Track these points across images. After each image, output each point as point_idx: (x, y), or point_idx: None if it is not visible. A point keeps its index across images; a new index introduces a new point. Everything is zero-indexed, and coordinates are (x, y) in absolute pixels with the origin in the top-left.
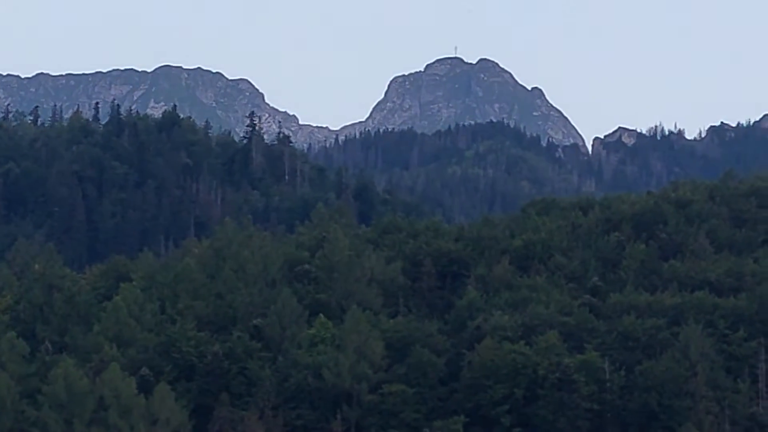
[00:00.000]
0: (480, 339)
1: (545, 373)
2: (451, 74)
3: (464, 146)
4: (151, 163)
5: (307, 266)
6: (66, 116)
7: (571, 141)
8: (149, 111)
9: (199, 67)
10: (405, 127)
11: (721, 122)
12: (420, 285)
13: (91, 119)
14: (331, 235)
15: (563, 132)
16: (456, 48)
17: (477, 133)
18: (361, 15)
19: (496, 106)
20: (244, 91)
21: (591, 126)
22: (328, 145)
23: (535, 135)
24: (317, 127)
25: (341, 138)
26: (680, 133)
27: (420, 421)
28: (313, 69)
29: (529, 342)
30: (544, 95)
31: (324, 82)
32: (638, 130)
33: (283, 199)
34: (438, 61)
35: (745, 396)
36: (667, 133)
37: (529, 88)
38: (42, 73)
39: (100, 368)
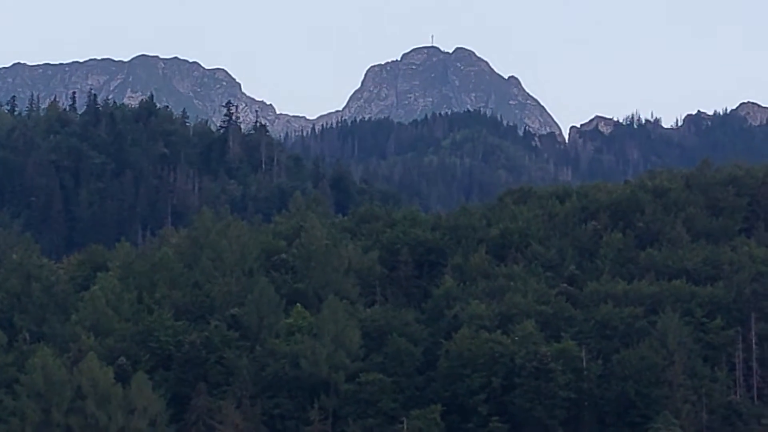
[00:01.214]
0: (457, 328)
1: (522, 362)
2: (427, 63)
3: (441, 135)
4: (128, 153)
5: (284, 255)
6: (43, 106)
7: (548, 130)
8: (126, 100)
9: (175, 57)
10: (382, 116)
11: (698, 111)
12: (397, 274)
13: (68, 109)
14: (308, 224)
15: (540, 121)
16: (432, 37)
17: (454, 122)
18: (338, 4)
19: (473, 95)
20: (221, 80)
21: (568, 115)
22: (304, 134)
23: (511, 124)
24: (294, 116)
25: (318, 127)
26: (657, 121)
27: (397, 410)
28: (289, 58)
29: (506, 331)
30: (520, 84)
31: (300, 71)
32: (615, 119)
33: (260, 188)
34: (414, 50)
35: (723, 384)
36: (643, 121)
37: (506, 77)
38: (19, 63)
39: (77, 358)
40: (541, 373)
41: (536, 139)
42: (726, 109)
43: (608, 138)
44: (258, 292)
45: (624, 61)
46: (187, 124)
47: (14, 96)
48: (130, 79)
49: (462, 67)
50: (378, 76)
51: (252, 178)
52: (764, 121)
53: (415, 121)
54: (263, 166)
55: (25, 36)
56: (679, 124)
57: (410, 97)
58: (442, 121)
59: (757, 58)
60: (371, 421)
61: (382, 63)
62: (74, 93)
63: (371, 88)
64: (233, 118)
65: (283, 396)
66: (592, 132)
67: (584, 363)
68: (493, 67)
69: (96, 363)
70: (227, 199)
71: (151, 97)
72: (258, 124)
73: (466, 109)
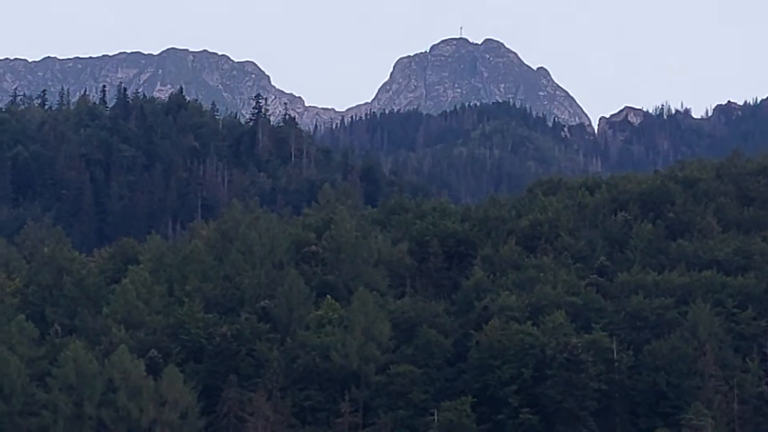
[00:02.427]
0: (487, 319)
1: (553, 354)
2: (456, 55)
3: (470, 127)
4: (158, 146)
5: (314, 248)
6: (73, 100)
7: (577, 120)
8: (156, 94)
9: (205, 50)
10: (411, 108)
11: (728, 101)
12: (427, 266)
13: (98, 102)
14: (337, 216)
15: (569, 112)
16: (461, 28)
17: (483, 113)
18: None
19: (502, 86)
20: (250, 73)
21: (597, 105)
22: (334, 126)
23: (541, 115)
24: (323, 108)
25: (347, 119)
26: (687, 112)
27: (428, 401)
28: (318, 50)
29: (536, 322)
30: (549, 75)
31: (329, 63)
32: (644, 109)
33: (290, 180)
34: (443, 41)
35: (754, 375)
36: (673, 112)
37: (535, 68)
38: (49, 57)
39: (109, 350)
40: (571, 364)
41: (565, 130)
42: (756, 99)
43: (638, 128)
44: (288, 285)
45: (653, 52)
46: (217, 116)
47: (44, 90)
48: (160, 72)
49: (491, 59)
50: (407, 67)
51: (281, 171)
52: None
53: (444, 112)
54: (292, 158)
55: (55, 29)
56: (709, 114)
57: (439, 89)
58: (471, 113)
59: None
60: (402, 413)
61: (411, 55)
62: (104, 86)
63: (400, 80)
64: (262, 110)
65: (313, 388)
66: (621, 123)
67: (615, 354)
68: (522, 58)
69: (127, 356)
70: (257, 191)
71: (181, 90)
72: (287, 117)
73: (495, 101)
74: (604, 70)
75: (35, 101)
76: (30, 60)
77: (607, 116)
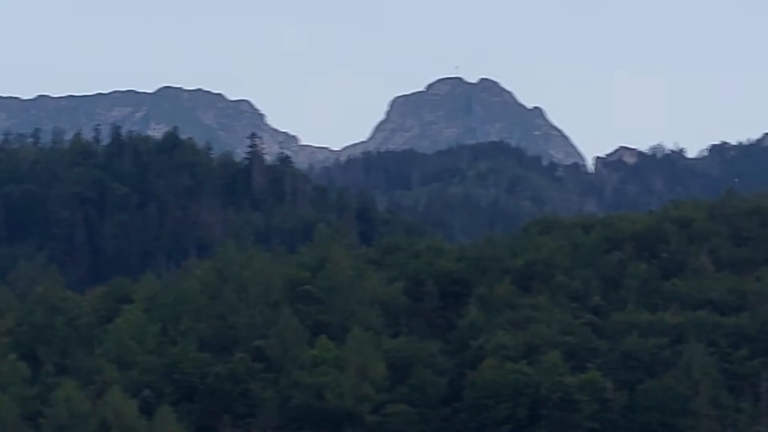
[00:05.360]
0: (482, 359)
1: (547, 393)
2: (452, 94)
3: (465, 166)
4: (152, 185)
5: (308, 287)
6: (67, 138)
7: (572, 160)
8: (150, 132)
9: (199, 89)
10: (406, 147)
11: (722, 141)
12: (422, 305)
13: (92, 141)
14: (332, 255)
15: (564, 151)
16: (457, 68)
17: (478, 152)
18: (362, 35)
19: (497, 125)
20: (244, 111)
21: (592, 145)
22: (329, 165)
23: (536, 154)
24: (318, 147)
25: (342, 158)
26: (681, 151)
27: None
28: (313, 89)
29: (531, 361)
30: (544, 114)
31: (325, 102)
32: (639, 149)
33: (285, 219)
34: (439, 80)
35: (747, 415)
36: (668, 152)
37: (530, 108)
38: (43, 95)
39: (101, 390)
40: (566, 403)
41: (560, 169)
42: (750, 140)
43: (632, 168)
44: (282, 324)
45: (648, 92)
46: (212, 155)
47: (38, 128)
48: (154, 110)
49: (486, 98)
50: (403, 106)
51: (276, 210)
52: None
53: (439, 151)
54: (287, 197)
55: (49, 68)
56: (704, 154)
57: (435, 128)
58: (467, 152)
59: None
60: None
61: (407, 94)
62: (98, 125)
63: (396, 119)
64: (257, 149)
65: (308, 428)
66: (616, 162)
67: (609, 393)
68: (517, 97)
69: (120, 395)
70: (251, 230)
71: (175, 128)
72: (282, 156)
73: (490, 140)
74: (599, 109)
75: (28, 140)
76: (23, 98)
77: (603, 156)
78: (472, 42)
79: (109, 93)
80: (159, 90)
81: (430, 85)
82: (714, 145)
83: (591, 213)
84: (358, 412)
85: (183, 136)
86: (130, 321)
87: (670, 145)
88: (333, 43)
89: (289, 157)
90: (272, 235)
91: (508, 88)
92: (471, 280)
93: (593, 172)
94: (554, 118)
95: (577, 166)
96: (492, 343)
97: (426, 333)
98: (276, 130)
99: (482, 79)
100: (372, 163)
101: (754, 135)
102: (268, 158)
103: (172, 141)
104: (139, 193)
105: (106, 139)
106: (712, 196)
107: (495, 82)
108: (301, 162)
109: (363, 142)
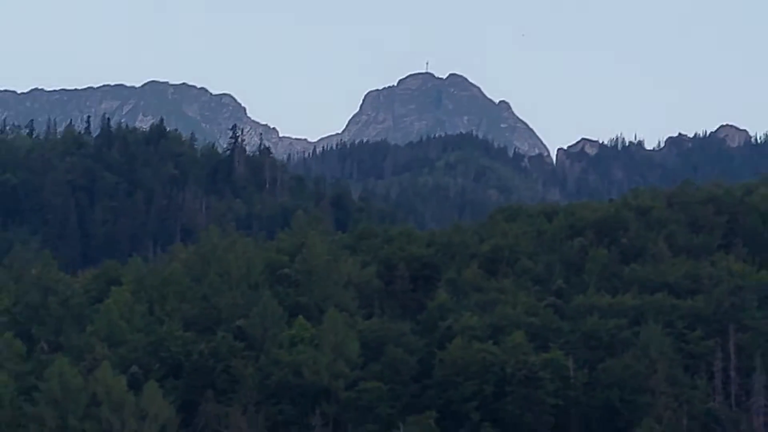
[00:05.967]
0: (450, 338)
1: (512, 371)
2: (422, 89)
3: (435, 157)
4: (139, 174)
5: (287, 270)
6: (60, 129)
7: (537, 151)
8: (138, 124)
9: (184, 83)
10: (379, 139)
11: (679, 133)
12: (394, 288)
13: (83, 132)
14: (309, 241)
15: (529, 143)
16: (427, 63)
17: (447, 144)
18: (338, 34)
19: (465, 118)
20: (227, 105)
21: (555, 137)
22: (306, 156)
23: (502, 146)
24: (296, 139)
25: (319, 149)
26: (640, 143)
27: (394, 416)
28: (292, 84)
29: (497, 341)
30: (510, 108)
31: (302, 96)
32: (600, 141)
33: (264, 207)
34: (410, 76)
35: (702, 392)
36: (627, 143)
37: (497, 102)
38: (37, 89)
39: (92, 366)
40: (530, 381)
41: (525, 160)
42: (706, 132)
43: (594, 159)
44: (262, 305)
45: (609, 86)
46: (196, 146)
47: (32, 120)
48: (142, 103)
49: (455, 92)
50: (376, 100)
51: (257, 198)
52: (742, 143)
53: (410, 143)
54: (267, 186)
55: (43, 63)
56: (661, 145)
57: (406, 121)
58: (437, 144)
59: (736, 81)
60: (370, 427)
61: (380, 88)
62: (89, 117)
63: (369, 112)
64: (239, 140)
65: (286, 403)
66: (578, 153)
67: (571, 372)
68: (484, 92)
69: (110, 371)
70: (233, 217)
71: (161, 121)
72: (262, 147)
73: (459, 132)
74: (563, 103)
75: (23, 130)
76: (18, 91)
77: (565, 147)
78: (441, 39)
79: (99, 87)
80: (146, 84)
81: (401, 80)
82: (671, 137)
83: (554, 201)
84: (333, 388)
85: (169, 128)
86: (119, 302)
87: (629, 137)
88: (310, 41)
89: (269, 148)
90: (253, 222)
91: (476, 83)
92: (440, 264)
93: (556, 162)
94: (520, 111)
95: (541, 157)
96: (460, 323)
97: (398, 314)
98: (256, 122)
99: (451, 75)
100: (347, 154)
101: (710, 128)
102: (249, 149)
103: (158, 132)
104: (127, 181)
105: (96, 130)
106: (670, 185)
107: (464, 78)
108: (280, 152)
109: (338, 133)
